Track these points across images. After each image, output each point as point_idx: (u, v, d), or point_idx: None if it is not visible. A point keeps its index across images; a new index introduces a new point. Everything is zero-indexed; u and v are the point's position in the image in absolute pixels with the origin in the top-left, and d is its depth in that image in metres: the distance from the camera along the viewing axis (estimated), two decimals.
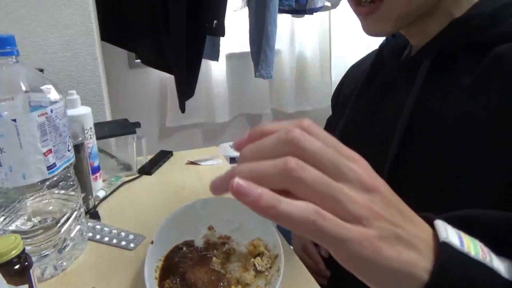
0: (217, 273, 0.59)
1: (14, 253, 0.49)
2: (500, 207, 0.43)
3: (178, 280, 0.57)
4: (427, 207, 0.48)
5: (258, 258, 0.60)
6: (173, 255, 0.63)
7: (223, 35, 1.61)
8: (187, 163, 1.05)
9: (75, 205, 0.66)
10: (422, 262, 0.26)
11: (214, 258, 0.61)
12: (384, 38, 0.65)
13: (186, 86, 1.61)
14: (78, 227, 0.67)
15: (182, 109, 1.64)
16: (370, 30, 0.53)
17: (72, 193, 0.66)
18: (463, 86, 0.48)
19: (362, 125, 0.62)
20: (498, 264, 0.28)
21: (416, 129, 0.51)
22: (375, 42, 0.71)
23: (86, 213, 0.79)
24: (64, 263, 0.64)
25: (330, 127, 0.80)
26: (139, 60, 1.92)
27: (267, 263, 0.59)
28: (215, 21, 1.53)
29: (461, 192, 0.45)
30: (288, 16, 2.07)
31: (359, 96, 0.65)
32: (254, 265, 0.59)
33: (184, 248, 0.64)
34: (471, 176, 0.45)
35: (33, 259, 0.54)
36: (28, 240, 0.59)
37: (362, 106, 0.63)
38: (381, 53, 0.66)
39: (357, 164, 0.27)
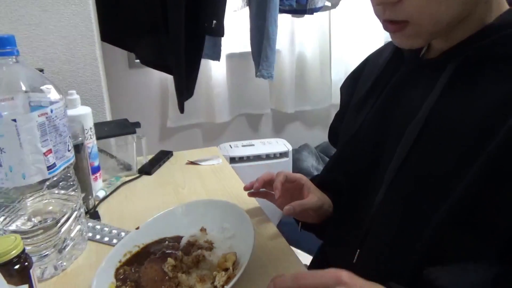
0: (163, 274, 0.58)
1: (14, 253, 0.49)
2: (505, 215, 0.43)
3: (136, 270, 0.58)
4: (428, 209, 0.47)
5: (223, 272, 0.57)
6: (153, 245, 0.63)
7: (222, 35, 1.60)
8: (187, 163, 1.05)
9: (75, 205, 0.66)
10: None
11: (168, 259, 0.60)
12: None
13: (185, 86, 1.61)
14: (78, 227, 0.67)
15: (181, 109, 1.64)
16: (401, 44, 0.53)
17: (72, 193, 0.66)
18: (490, 96, 0.46)
19: (380, 125, 0.61)
20: None
21: (428, 132, 0.50)
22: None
23: (86, 213, 0.79)
24: (64, 263, 0.64)
25: (337, 122, 0.77)
26: (139, 60, 1.92)
27: (224, 281, 0.56)
28: (214, 21, 1.53)
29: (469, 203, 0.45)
30: (288, 16, 2.07)
31: (376, 93, 0.63)
32: (215, 278, 0.56)
33: (167, 242, 0.64)
34: (479, 191, 0.44)
35: (33, 259, 0.54)
36: (28, 240, 0.59)
37: (380, 105, 0.62)
38: (400, 49, 0.63)
39: None
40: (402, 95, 0.59)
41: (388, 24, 0.50)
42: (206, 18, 1.52)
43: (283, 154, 2.15)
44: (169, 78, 2.05)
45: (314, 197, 0.68)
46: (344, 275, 0.40)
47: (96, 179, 0.88)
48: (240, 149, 2.14)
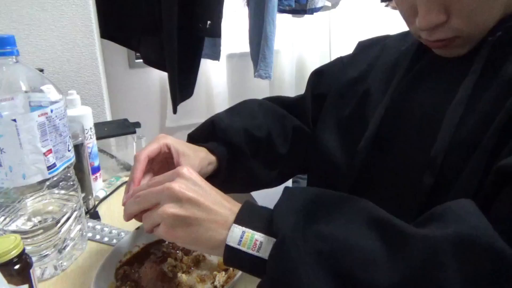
0: (163, 274, 0.58)
1: (14, 253, 0.49)
2: None
3: (136, 270, 0.58)
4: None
5: (223, 272, 0.57)
6: (153, 245, 0.63)
7: (218, 36, 1.59)
8: None
9: (75, 205, 0.66)
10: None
11: (168, 259, 0.60)
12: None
13: (179, 87, 1.60)
14: (78, 227, 0.67)
15: (174, 109, 1.64)
16: (445, 54, 0.52)
17: (72, 193, 0.66)
18: (508, 78, 0.46)
19: (404, 116, 0.57)
20: (264, 251, 0.41)
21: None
22: None
23: (86, 213, 0.79)
24: (64, 263, 0.64)
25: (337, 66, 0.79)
26: (139, 60, 1.92)
27: (224, 281, 0.56)
28: (208, 22, 1.51)
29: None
30: (288, 16, 2.07)
31: (401, 80, 0.60)
32: (215, 278, 0.57)
33: (167, 242, 0.64)
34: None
35: (33, 259, 0.54)
36: (28, 240, 0.59)
37: (402, 94, 0.58)
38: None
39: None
40: (422, 85, 0.56)
41: (436, 42, 0.50)
42: (200, 19, 1.51)
43: None
44: None
45: (192, 160, 0.58)
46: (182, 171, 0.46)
47: (96, 179, 0.88)
48: None
